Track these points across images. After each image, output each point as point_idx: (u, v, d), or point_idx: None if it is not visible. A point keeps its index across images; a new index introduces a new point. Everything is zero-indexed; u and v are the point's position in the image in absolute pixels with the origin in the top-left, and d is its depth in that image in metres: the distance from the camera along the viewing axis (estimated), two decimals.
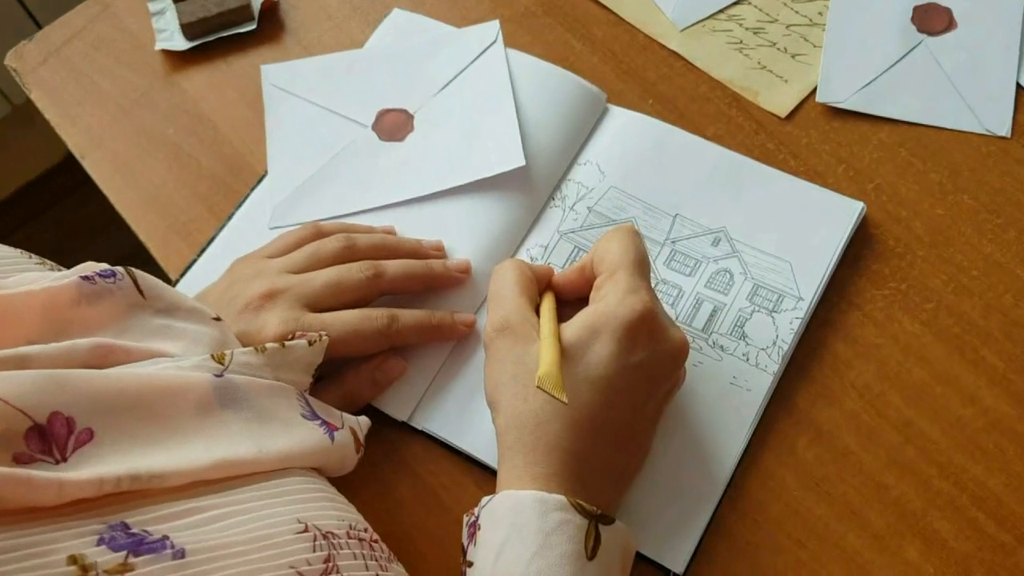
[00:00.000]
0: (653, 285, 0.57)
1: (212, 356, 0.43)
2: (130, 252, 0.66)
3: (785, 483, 0.53)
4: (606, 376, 0.46)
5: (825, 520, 0.52)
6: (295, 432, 0.42)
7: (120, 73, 0.69)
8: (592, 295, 0.49)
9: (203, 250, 0.61)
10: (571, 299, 0.52)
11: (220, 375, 0.42)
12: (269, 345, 0.45)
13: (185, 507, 0.36)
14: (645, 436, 0.49)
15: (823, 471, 0.53)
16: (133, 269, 0.46)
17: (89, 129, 0.67)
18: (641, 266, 0.49)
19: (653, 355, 0.47)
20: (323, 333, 0.49)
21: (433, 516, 0.53)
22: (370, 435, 0.51)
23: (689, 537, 0.51)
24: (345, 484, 0.50)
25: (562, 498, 0.43)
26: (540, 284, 0.52)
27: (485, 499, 0.45)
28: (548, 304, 0.51)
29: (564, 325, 0.48)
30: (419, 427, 0.55)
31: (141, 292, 0.46)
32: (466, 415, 0.54)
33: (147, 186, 0.64)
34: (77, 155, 0.66)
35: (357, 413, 0.52)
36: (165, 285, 0.47)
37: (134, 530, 0.34)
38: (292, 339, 0.48)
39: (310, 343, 0.47)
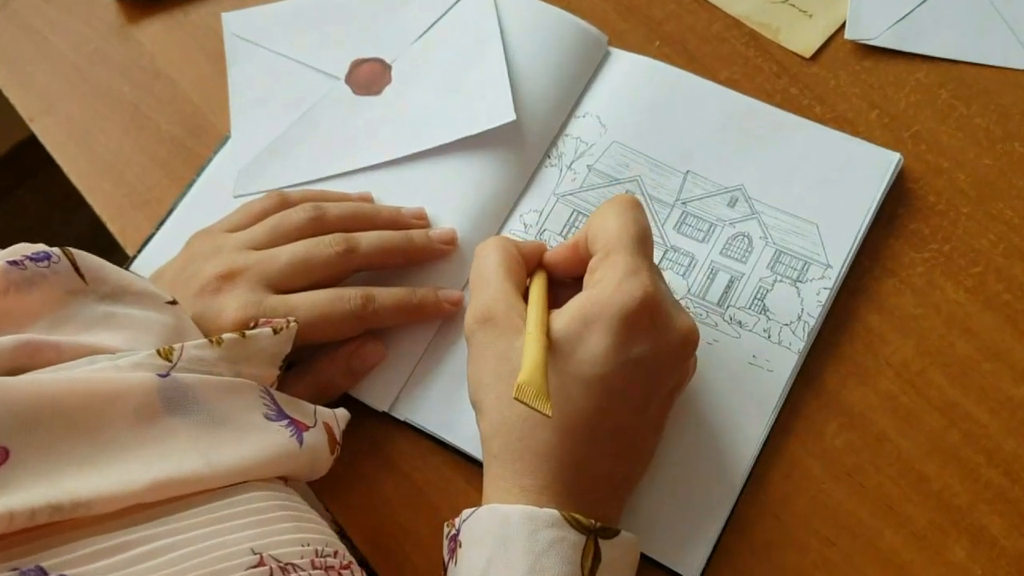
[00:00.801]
0: (662, 254, 0.51)
1: (158, 351, 0.37)
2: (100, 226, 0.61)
3: (812, 474, 0.47)
4: (601, 374, 0.40)
5: (858, 516, 0.46)
6: (255, 438, 0.37)
7: (72, 26, 0.63)
8: (586, 278, 0.43)
9: (162, 222, 0.55)
10: (566, 279, 0.46)
11: (166, 374, 0.36)
12: (226, 336, 0.40)
13: (115, 542, 0.31)
14: (649, 437, 0.44)
15: (855, 460, 0.47)
16: (72, 250, 0.41)
17: (39, 90, 0.61)
18: (641, 243, 0.42)
19: (656, 347, 0.40)
20: (290, 319, 0.43)
21: (419, 515, 0.48)
22: (348, 428, 0.46)
23: (704, 538, 0.45)
24: (322, 482, 0.45)
25: (554, 512, 0.37)
26: (530, 264, 0.46)
27: (467, 512, 0.40)
28: (537, 288, 0.44)
29: (554, 314, 0.42)
30: (401, 418, 0.49)
31: (82, 275, 0.41)
32: (453, 405, 0.48)
33: (102, 152, 0.59)
34: (26, 119, 0.60)
35: (334, 404, 0.47)
36: (111, 266, 0.42)
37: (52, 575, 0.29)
38: (254, 327, 0.42)
39: (275, 331, 0.42)
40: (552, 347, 0.40)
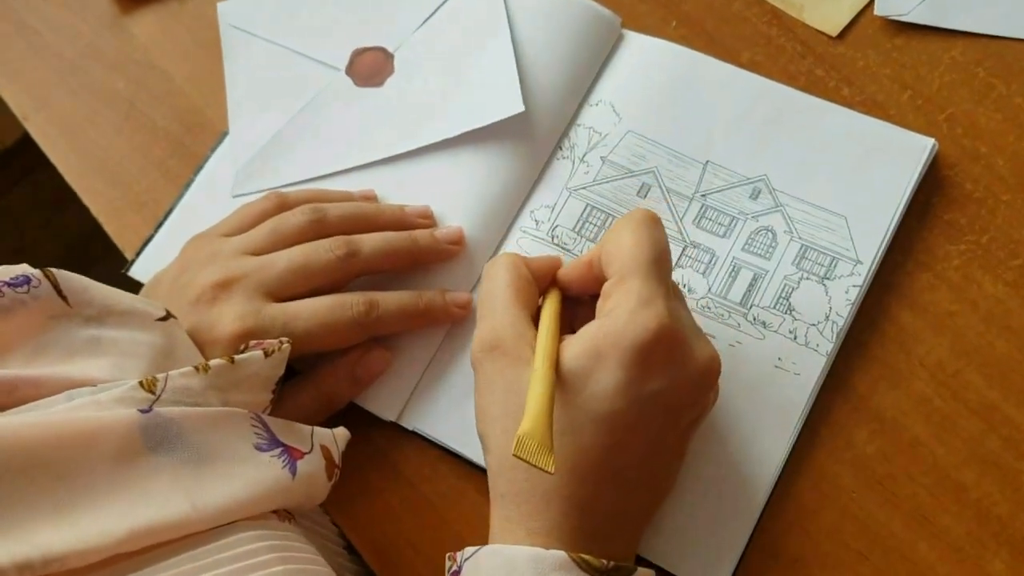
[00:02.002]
0: (681, 251, 0.48)
1: (141, 383, 0.35)
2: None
3: (842, 484, 0.45)
4: (613, 411, 0.37)
5: (890, 527, 0.44)
6: (244, 473, 0.35)
7: (64, 20, 0.60)
8: (599, 304, 0.40)
9: (160, 224, 0.53)
10: (583, 297, 0.44)
11: (148, 409, 0.34)
12: (214, 362, 0.38)
13: None
14: (667, 472, 0.41)
15: (888, 468, 0.45)
16: (54, 271, 0.39)
17: (32, 88, 0.59)
18: (658, 267, 0.39)
19: (673, 381, 0.38)
20: (284, 340, 0.41)
21: (428, 529, 0.46)
22: (355, 437, 0.45)
23: (729, 555, 0.43)
24: (328, 495, 0.43)
25: (561, 554, 0.35)
26: (542, 281, 0.44)
27: (470, 549, 0.38)
28: (548, 312, 0.41)
29: (565, 344, 0.39)
30: (410, 427, 0.47)
31: (64, 298, 0.39)
32: (463, 414, 0.46)
33: (97, 151, 0.57)
34: (19, 117, 0.59)
35: (338, 417, 0.45)
36: (96, 286, 0.40)
37: None
38: (244, 350, 0.40)
39: (266, 354, 0.40)
40: (561, 381, 0.37)
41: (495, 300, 0.41)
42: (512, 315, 0.40)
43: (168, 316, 0.41)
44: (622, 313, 0.38)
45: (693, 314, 0.47)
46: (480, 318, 0.41)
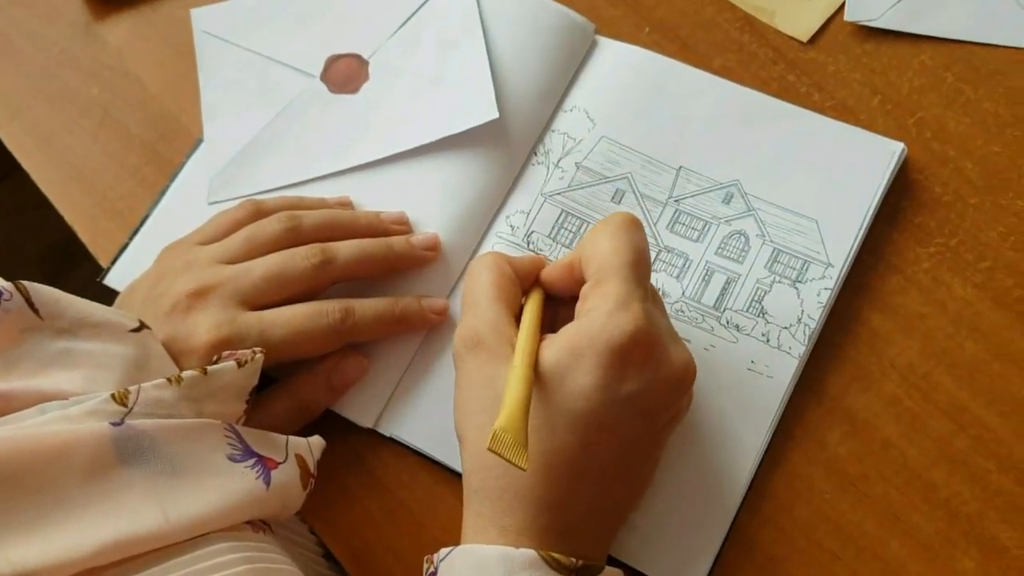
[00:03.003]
0: (655, 255, 0.49)
1: (113, 396, 0.35)
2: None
3: (815, 484, 0.45)
4: (588, 411, 0.37)
5: (863, 526, 0.44)
6: (218, 485, 0.35)
7: (36, 26, 0.60)
8: (578, 306, 0.40)
9: (135, 231, 0.53)
10: (565, 297, 0.44)
11: (120, 422, 0.34)
12: (186, 374, 0.37)
13: None
14: (641, 473, 0.42)
15: (859, 468, 0.45)
16: (26, 283, 0.39)
17: (5, 95, 0.58)
18: (636, 270, 0.40)
19: (648, 384, 0.38)
20: (257, 350, 0.41)
21: (406, 535, 0.46)
22: (332, 444, 0.44)
23: (704, 553, 0.44)
24: (306, 501, 0.43)
25: (531, 553, 0.36)
26: (526, 281, 0.44)
27: (444, 550, 0.38)
28: (530, 311, 0.42)
29: (544, 344, 0.39)
30: (387, 434, 0.47)
31: (36, 311, 0.38)
32: (441, 419, 0.46)
33: (72, 159, 0.56)
34: None
35: (315, 424, 0.45)
36: (68, 298, 0.40)
37: None
38: (217, 361, 0.40)
39: (240, 364, 0.40)
40: (539, 379, 0.38)
41: (478, 297, 0.42)
42: (494, 312, 0.41)
43: (142, 327, 0.41)
44: (599, 315, 0.38)
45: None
46: (463, 314, 0.42)
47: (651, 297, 0.41)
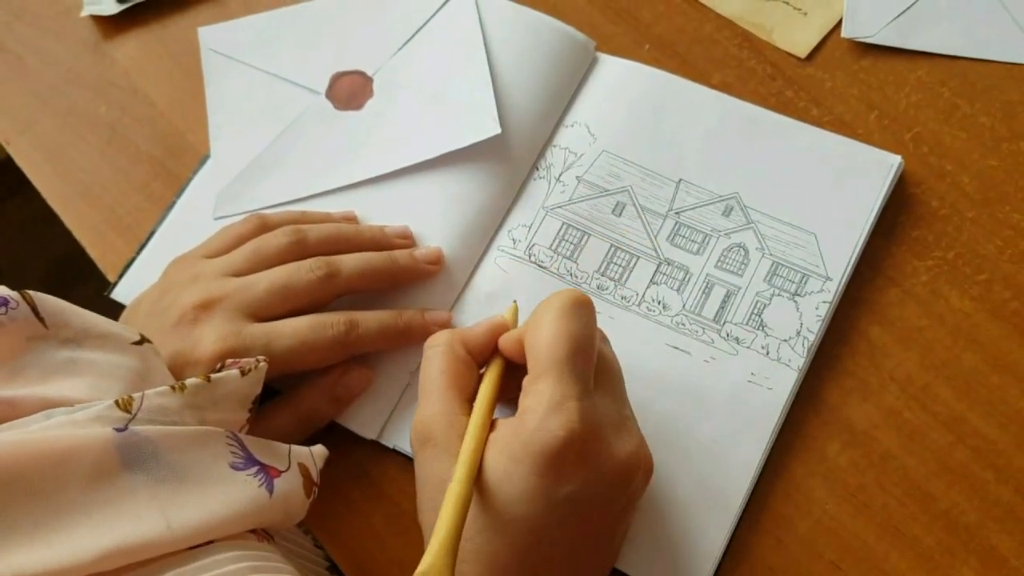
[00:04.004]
0: (655, 268, 0.49)
1: (117, 402, 0.35)
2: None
3: (815, 495, 0.45)
4: (529, 515, 0.37)
5: (863, 538, 0.44)
6: (221, 492, 0.35)
7: (45, 45, 0.61)
8: (520, 398, 0.39)
9: (142, 246, 0.54)
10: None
11: (123, 428, 0.34)
12: (190, 381, 0.38)
13: None
14: (599, 558, 0.41)
15: (859, 480, 0.45)
16: (32, 293, 0.39)
17: (14, 112, 0.59)
18: (573, 364, 0.38)
19: (589, 483, 0.37)
20: (261, 358, 0.41)
21: (412, 548, 0.46)
22: (336, 456, 0.45)
23: (704, 565, 0.44)
24: (310, 517, 0.43)
25: None
26: (484, 353, 0.42)
27: None
28: (483, 397, 0.40)
29: (490, 440, 0.38)
30: (390, 445, 0.48)
31: (42, 320, 0.39)
32: None
33: (80, 175, 0.57)
34: (2, 142, 0.59)
35: (319, 436, 0.45)
36: (73, 308, 0.40)
37: None
38: (220, 369, 0.40)
39: (243, 372, 0.40)
40: (481, 481, 0.37)
41: (429, 386, 0.41)
42: (444, 403, 0.40)
43: (143, 341, 0.41)
44: (533, 418, 0.37)
45: (668, 331, 0.48)
46: (419, 404, 0.41)
47: (602, 380, 0.40)
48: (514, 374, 0.42)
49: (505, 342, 0.42)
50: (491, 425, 0.39)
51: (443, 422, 0.39)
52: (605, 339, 0.43)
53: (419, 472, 0.40)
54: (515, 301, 0.45)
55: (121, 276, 0.53)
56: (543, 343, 0.39)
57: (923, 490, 0.45)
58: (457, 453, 0.38)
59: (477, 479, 0.37)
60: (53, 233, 0.57)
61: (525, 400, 0.38)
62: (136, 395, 0.36)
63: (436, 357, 0.41)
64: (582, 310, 0.40)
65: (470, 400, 0.41)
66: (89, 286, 0.54)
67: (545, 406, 0.37)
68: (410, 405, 0.48)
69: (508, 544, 0.37)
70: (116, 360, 0.39)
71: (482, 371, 0.43)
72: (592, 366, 0.39)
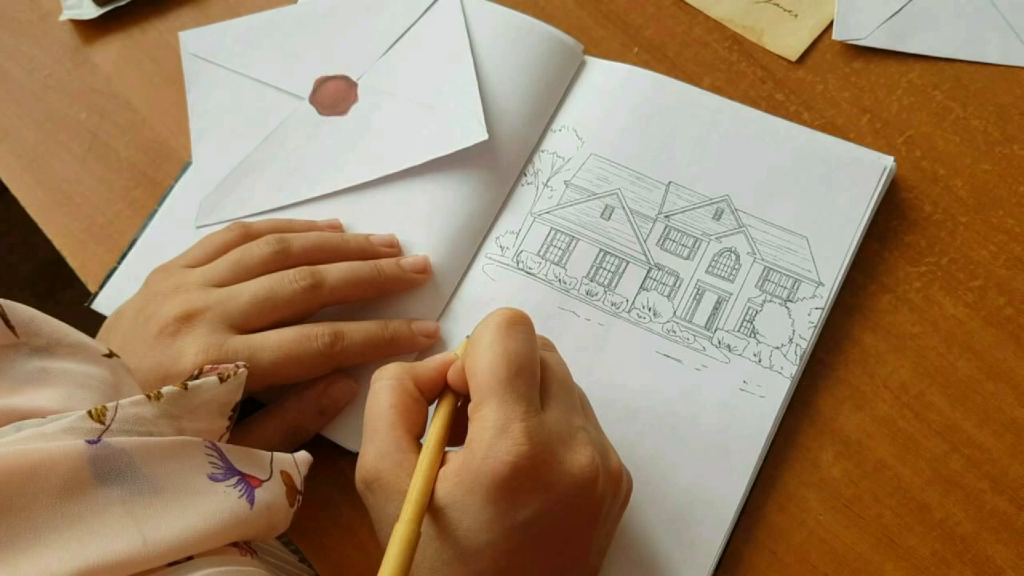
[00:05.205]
0: (645, 273, 0.49)
1: (90, 413, 0.34)
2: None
3: (808, 506, 0.45)
4: (492, 543, 0.36)
5: (857, 549, 0.44)
6: (200, 505, 0.34)
7: (24, 50, 0.60)
8: (469, 427, 0.38)
9: (124, 255, 0.53)
10: None
11: (96, 440, 0.33)
12: (166, 389, 0.37)
13: None
14: (580, 570, 0.40)
15: (853, 490, 0.45)
16: (2, 301, 0.38)
17: None
18: (513, 385, 0.37)
19: (544, 505, 0.36)
20: (240, 364, 0.40)
21: None
22: (322, 470, 0.44)
23: None
24: (296, 531, 0.42)
25: None
26: (434, 389, 0.41)
27: None
28: (434, 430, 0.38)
29: (440, 475, 0.37)
30: None
31: (12, 329, 0.38)
32: None
33: (60, 182, 0.56)
34: None
35: (304, 447, 0.44)
36: (44, 317, 0.39)
37: None
38: (198, 376, 0.39)
39: (222, 379, 0.39)
40: (436, 514, 0.36)
41: (377, 422, 0.39)
42: (391, 441, 0.38)
43: (111, 355, 0.40)
44: (480, 446, 0.36)
45: (658, 339, 0.47)
46: (363, 443, 0.39)
47: (552, 394, 0.39)
48: (464, 413, 0.40)
49: (452, 374, 0.40)
50: (442, 460, 0.38)
51: (390, 461, 0.38)
52: (549, 345, 0.42)
53: (374, 516, 0.38)
54: (467, 337, 0.43)
55: (102, 286, 0.52)
56: (481, 368, 0.37)
57: (917, 500, 0.44)
58: (405, 492, 0.36)
59: (435, 514, 0.36)
60: (39, 237, 0.56)
61: (471, 428, 0.37)
62: (110, 405, 0.35)
63: (384, 391, 0.39)
64: (518, 328, 0.38)
65: (418, 438, 0.39)
66: (76, 290, 0.53)
67: (491, 432, 0.36)
68: None
69: (475, 572, 0.36)
70: (89, 370, 0.38)
71: (431, 407, 0.41)
72: (536, 383, 0.38)
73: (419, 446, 0.39)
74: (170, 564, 0.32)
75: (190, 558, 0.33)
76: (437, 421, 0.39)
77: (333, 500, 0.47)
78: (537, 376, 0.38)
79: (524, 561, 0.37)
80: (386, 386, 0.40)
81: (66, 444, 0.32)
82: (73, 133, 0.57)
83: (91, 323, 0.47)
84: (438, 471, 0.37)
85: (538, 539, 0.37)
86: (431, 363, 0.41)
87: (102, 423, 0.34)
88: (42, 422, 0.34)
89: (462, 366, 0.39)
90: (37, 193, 0.56)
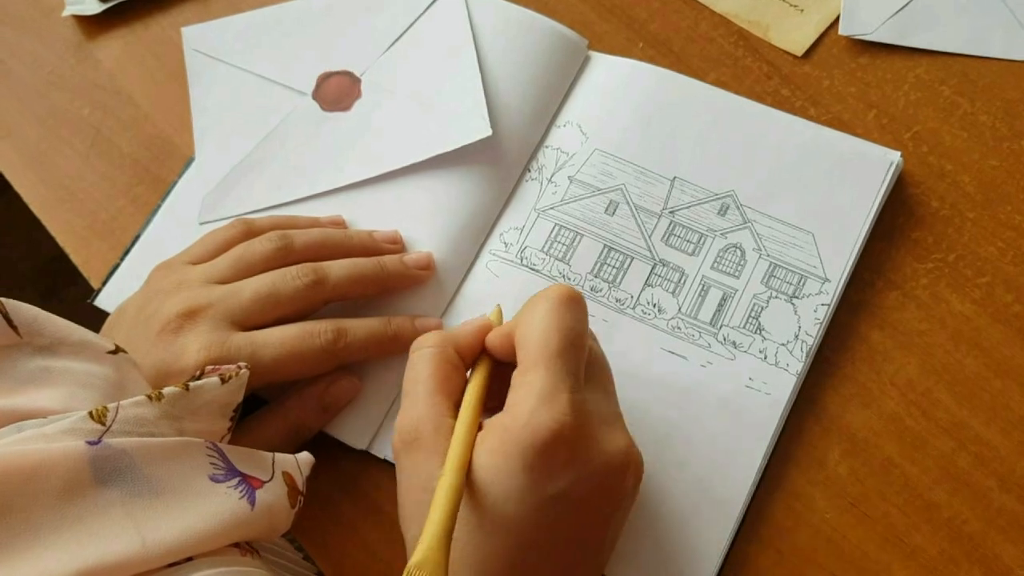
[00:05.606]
0: (650, 269, 0.48)
1: (91, 414, 0.34)
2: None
3: (815, 505, 0.44)
4: (521, 514, 0.35)
5: (864, 548, 0.43)
6: (200, 506, 0.34)
7: (27, 46, 0.60)
8: (510, 393, 0.38)
9: (127, 252, 0.53)
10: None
11: (97, 441, 0.33)
12: (167, 390, 0.37)
13: None
14: (593, 562, 0.40)
15: (860, 488, 0.44)
16: (4, 300, 0.38)
17: None
18: (565, 358, 0.37)
19: (579, 480, 0.36)
20: (242, 365, 0.40)
21: (403, 559, 0.44)
22: (325, 469, 0.44)
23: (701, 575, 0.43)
24: (301, 527, 0.42)
25: None
26: (472, 354, 0.41)
27: None
28: (471, 396, 0.39)
29: (479, 438, 0.37)
30: (381, 456, 0.47)
31: (15, 328, 0.38)
32: None
33: (63, 179, 0.56)
34: None
35: (308, 446, 0.44)
36: (47, 316, 0.39)
37: None
38: (199, 377, 0.39)
39: (223, 380, 0.39)
40: (471, 481, 0.36)
41: (416, 389, 0.39)
42: (432, 405, 0.38)
43: (118, 350, 0.40)
44: (523, 411, 0.36)
45: (663, 335, 0.47)
46: (402, 407, 0.40)
47: (592, 375, 0.39)
48: (498, 380, 0.41)
49: (493, 339, 0.41)
50: (478, 427, 0.38)
51: (431, 424, 0.38)
52: (594, 338, 0.42)
53: (403, 476, 0.38)
54: (498, 304, 0.43)
55: (105, 283, 0.52)
56: (534, 336, 0.38)
57: (925, 499, 0.44)
58: (444, 453, 0.36)
59: (468, 477, 0.36)
60: (42, 234, 0.56)
61: (514, 394, 0.37)
62: (111, 406, 0.35)
63: (426, 359, 0.40)
64: (575, 305, 0.39)
65: (457, 404, 0.39)
66: (79, 288, 0.53)
67: (536, 397, 0.36)
68: None
69: (500, 548, 0.36)
70: (92, 369, 0.38)
71: (468, 373, 0.41)
72: (583, 362, 0.39)
73: (456, 412, 0.39)
74: (170, 565, 0.32)
75: (190, 559, 0.33)
76: (475, 384, 0.40)
77: (334, 498, 0.46)
78: (585, 355, 0.39)
79: (545, 540, 0.36)
80: (427, 354, 0.40)
81: (66, 445, 0.32)
82: (76, 129, 0.57)
83: (94, 320, 0.47)
84: (476, 433, 0.37)
85: (562, 518, 0.36)
86: (468, 328, 0.41)
87: (103, 424, 0.34)
88: (43, 423, 0.34)
89: (504, 330, 0.40)
90: (40, 190, 0.56)
